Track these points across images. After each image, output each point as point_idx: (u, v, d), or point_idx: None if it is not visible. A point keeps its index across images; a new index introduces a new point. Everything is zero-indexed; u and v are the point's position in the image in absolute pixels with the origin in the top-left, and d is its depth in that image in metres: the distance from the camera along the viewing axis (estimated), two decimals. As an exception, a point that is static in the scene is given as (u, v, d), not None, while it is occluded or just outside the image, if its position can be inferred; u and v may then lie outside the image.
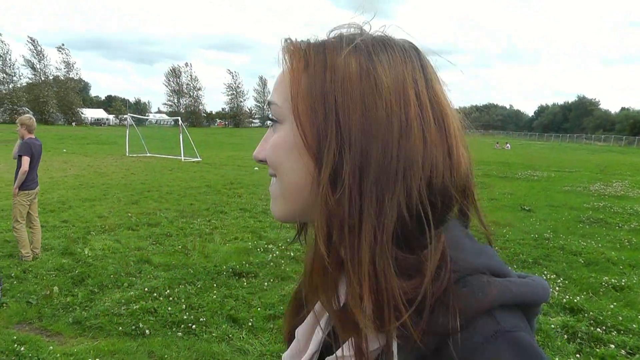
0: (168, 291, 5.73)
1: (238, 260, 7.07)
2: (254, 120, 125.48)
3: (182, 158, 24.61)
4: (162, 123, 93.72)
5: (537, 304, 0.67)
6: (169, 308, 5.20)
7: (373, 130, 0.63)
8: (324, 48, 0.69)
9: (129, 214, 10.38)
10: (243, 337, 4.71)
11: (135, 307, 5.24)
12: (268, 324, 4.97)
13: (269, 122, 0.76)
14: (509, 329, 0.60)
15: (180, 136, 25.92)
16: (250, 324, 4.94)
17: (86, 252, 7.34)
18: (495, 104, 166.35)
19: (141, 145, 28.72)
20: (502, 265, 0.67)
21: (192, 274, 6.37)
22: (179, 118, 29.91)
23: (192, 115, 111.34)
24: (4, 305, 5.35)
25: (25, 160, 6.76)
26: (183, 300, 5.49)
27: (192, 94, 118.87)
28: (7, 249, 7.28)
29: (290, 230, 9.09)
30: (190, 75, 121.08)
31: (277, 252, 7.52)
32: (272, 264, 6.93)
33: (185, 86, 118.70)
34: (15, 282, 6.07)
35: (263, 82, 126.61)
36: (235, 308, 5.33)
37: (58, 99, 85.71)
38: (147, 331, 4.72)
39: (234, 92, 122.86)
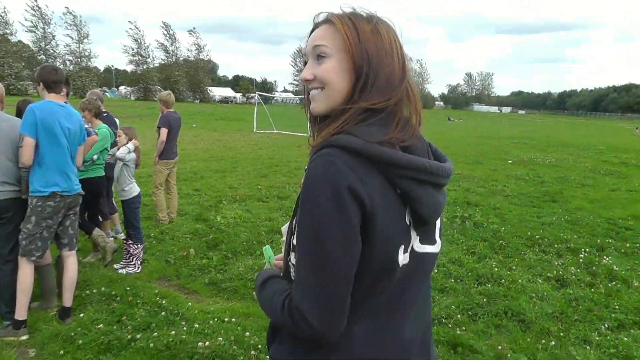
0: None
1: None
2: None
3: (309, 135, 25.16)
4: (287, 102, 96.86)
5: (380, 161, 1.21)
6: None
7: (381, 60, 1.31)
8: (350, 19, 1.33)
9: (259, 186, 10.81)
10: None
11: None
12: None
13: (317, 57, 1.37)
14: (326, 156, 1.19)
15: (307, 114, 26.46)
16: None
17: (218, 219, 7.75)
18: (636, 83, 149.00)
19: (268, 122, 29.85)
20: (378, 137, 1.24)
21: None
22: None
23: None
24: (146, 261, 5.80)
25: (163, 132, 7.36)
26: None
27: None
28: (146, 211, 7.87)
29: None
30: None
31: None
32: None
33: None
34: (154, 242, 6.57)
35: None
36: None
37: (188, 78, 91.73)
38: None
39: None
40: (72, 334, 4.06)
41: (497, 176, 13.64)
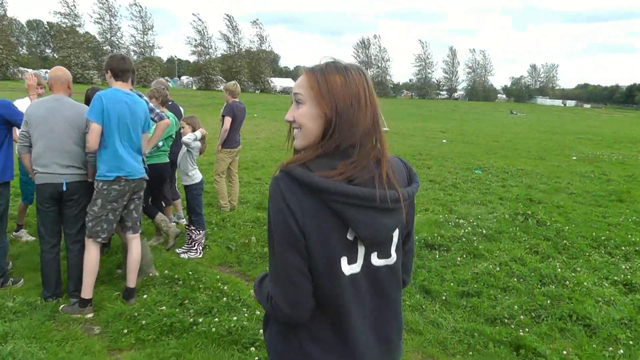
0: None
1: (429, 231, 6.91)
2: (440, 92, 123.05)
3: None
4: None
5: (312, 188, 1.47)
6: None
7: (347, 108, 1.51)
8: (323, 72, 1.54)
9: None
10: (436, 310, 4.55)
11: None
12: (461, 301, 4.74)
13: (297, 101, 1.61)
14: (279, 179, 1.51)
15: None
16: (444, 297, 4.76)
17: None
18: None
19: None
20: (319, 167, 1.50)
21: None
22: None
23: (378, 86, 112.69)
24: (207, 247, 5.88)
25: (227, 120, 7.40)
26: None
27: (380, 65, 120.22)
28: (207, 199, 7.98)
29: (480, 207, 8.68)
30: (379, 47, 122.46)
31: (469, 228, 7.19)
32: (463, 239, 6.64)
33: (373, 57, 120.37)
34: (215, 228, 6.66)
35: (453, 53, 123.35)
36: (428, 279, 5.18)
37: (250, 68, 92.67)
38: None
39: (423, 62, 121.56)
40: (136, 314, 4.17)
41: (560, 173, 13.12)
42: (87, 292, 4.25)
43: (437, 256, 5.98)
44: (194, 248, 5.75)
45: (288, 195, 1.49)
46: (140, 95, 4.48)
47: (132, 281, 4.47)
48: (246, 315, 4.18)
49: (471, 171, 12.77)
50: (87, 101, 4.92)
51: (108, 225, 4.26)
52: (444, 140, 20.52)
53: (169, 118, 4.99)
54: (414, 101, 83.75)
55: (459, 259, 5.89)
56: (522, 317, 4.41)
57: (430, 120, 35.11)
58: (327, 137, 1.53)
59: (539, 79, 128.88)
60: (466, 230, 7.05)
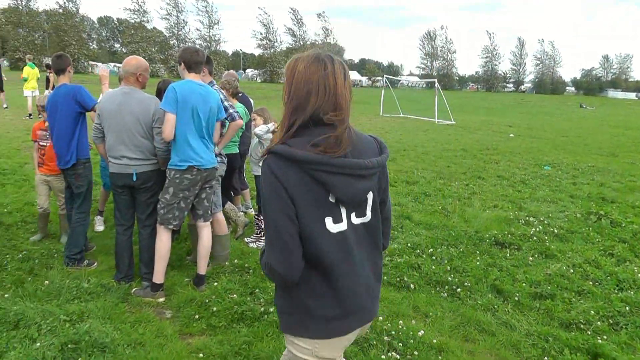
0: (431, 250, 5.72)
1: (499, 229, 6.72)
2: (507, 85, 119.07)
3: (436, 120, 24.59)
4: (413, 85, 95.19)
5: (295, 160, 1.76)
6: (433, 267, 5.16)
7: (298, 92, 1.82)
8: (297, 59, 1.88)
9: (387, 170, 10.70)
10: (508, 311, 4.42)
11: (399, 260, 5.34)
12: (534, 303, 4.58)
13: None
14: (267, 159, 1.81)
15: (436, 98, 25.82)
16: (516, 298, 4.62)
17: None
18: None
19: (394, 106, 29.55)
20: (299, 145, 1.78)
21: (453, 237, 6.25)
22: (435, 81, 29.83)
23: (444, 79, 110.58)
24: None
25: None
26: (446, 261, 5.41)
27: (445, 57, 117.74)
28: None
29: (551, 205, 8.36)
30: (445, 38, 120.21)
31: (540, 227, 6.93)
32: (534, 238, 6.41)
33: (439, 49, 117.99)
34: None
35: (521, 44, 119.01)
36: (500, 279, 5.04)
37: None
38: (411, 285, 4.75)
39: (490, 54, 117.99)
40: (207, 300, 4.27)
41: (635, 171, 12.40)
42: (158, 277, 4.40)
43: (508, 255, 5.81)
44: (263, 237, 5.82)
45: (276, 169, 1.79)
46: (212, 85, 4.57)
47: (202, 268, 4.60)
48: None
49: (540, 167, 12.31)
50: (159, 93, 5.08)
51: (180, 213, 4.38)
52: (511, 135, 19.86)
53: (242, 119, 5.06)
54: (480, 94, 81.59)
55: (530, 258, 5.69)
56: (599, 323, 4.20)
57: (496, 113, 34.07)
58: (287, 116, 1.86)
59: (612, 71, 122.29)
60: (537, 229, 6.80)
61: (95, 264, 5.12)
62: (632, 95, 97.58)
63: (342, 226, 1.88)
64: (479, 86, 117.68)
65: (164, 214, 4.34)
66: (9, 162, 9.85)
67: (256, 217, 5.95)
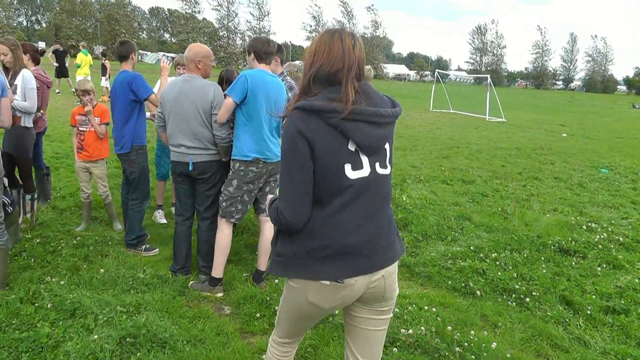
0: (494, 254, 5.46)
1: (561, 235, 6.37)
2: (556, 82, 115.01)
3: (487, 117, 23.89)
4: (462, 80, 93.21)
5: (314, 110, 1.90)
6: (499, 273, 4.91)
7: (318, 54, 2.00)
8: (320, 33, 2.08)
9: (442, 167, 10.42)
10: (580, 326, 4.13)
11: (462, 264, 5.11)
12: (607, 317, 4.28)
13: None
14: (291, 115, 1.96)
15: (487, 95, 25.07)
16: (588, 312, 4.32)
17: (404, 199, 7.56)
18: None
19: (444, 101, 28.90)
20: (318, 100, 1.93)
21: (515, 241, 5.96)
22: (488, 76, 29.01)
23: (493, 74, 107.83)
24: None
25: None
26: (511, 267, 5.15)
27: (495, 52, 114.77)
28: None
29: (612, 211, 7.92)
30: (496, 33, 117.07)
31: (604, 234, 6.53)
32: (599, 246, 6.04)
33: (489, 44, 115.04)
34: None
35: (573, 39, 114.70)
36: (568, 289, 4.74)
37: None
38: (477, 292, 4.53)
39: (540, 50, 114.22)
40: (268, 298, 4.15)
41: None
42: (217, 270, 4.29)
43: (574, 263, 5.49)
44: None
45: (298, 122, 1.91)
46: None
47: (263, 264, 4.45)
48: (386, 311, 4.05)
49: (596, 169, 11.74)
50: (221, 82, 4.95)
51: (242, 206, 4.26)
52: (564, 135, 19.09)
53: None
54: (529, 91, 79.20)
55: (598, 268, 5.35)
56: None
57: (546, 112, 32.91)
58: (304, 79, 2.03)
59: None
60: (601, 237, 6.42)
61: (157, 250, 5.10)
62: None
63: (363, 173, 1.97)
64: (528, 83, 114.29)
65: (226, 207, 4.22)
66: (62, 146, 10.03)
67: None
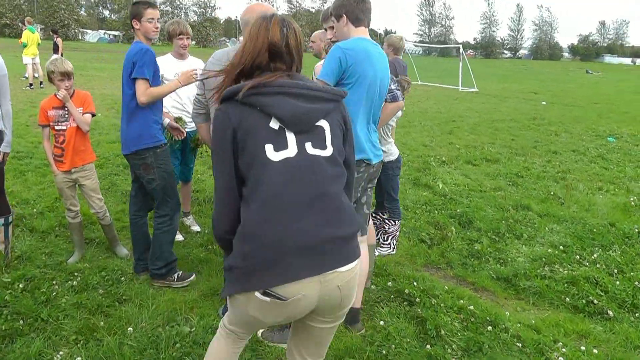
0: (587, 254, 4.49)
1: (626, 219, 5.51)
2: (504, 52, 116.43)
3: (460, 88, 23.15)
4: (415, 53, 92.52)
5: (230, 96, 1.74)
6: (617, 282, 3.94)
7: (246, 40, 1.82)
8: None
9: (456, 145, 9.45)
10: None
11: (563, 272, 4.10)
12: None
13: None
14: (217, 108, 1.80)
15: (460, 65, 24.27)
16: None
17: (440, 186, 6.54)
18: None
19: (411, 73, 27.95)
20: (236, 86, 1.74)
21: (596, 234, 5.00)
22: (460, 46, 28.20)
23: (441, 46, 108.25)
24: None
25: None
26: (617, 271, 4.21)
27: (443, 24, 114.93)
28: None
29: None
30: (444, 4, 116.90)
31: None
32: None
33: (437, 16, 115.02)
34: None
35: (520, 10, 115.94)
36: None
37: (310, 29, 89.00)
38: (609, 312, 3.55)
39: (488, 20, 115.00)
40: (380, 349, 3.00)
41: None
42: None
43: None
44: (387, 242, 4.58)
45: (220, 112, 1.77)
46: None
47: (358, 299, 3.25)
48: (526, 353, 3.01)
49: (603, 139, 11.07)
50: None
51: None
52: (543, 103, 18.54)
53: (403, 99, 3.72)
54: (479, 61, 79.50)
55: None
56: None
57: (508, 80, 32.50)
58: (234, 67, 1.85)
59: (608, 36, 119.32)
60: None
61: (193, 276, 3.85)
62: (627, 61, 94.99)
63: (288, 153, 1.70)
64: (477, 53, 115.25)
65: None
66: (22, 142, 8.03)
67: (377, 215, 4.68)
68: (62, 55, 16.87)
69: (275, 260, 1.64)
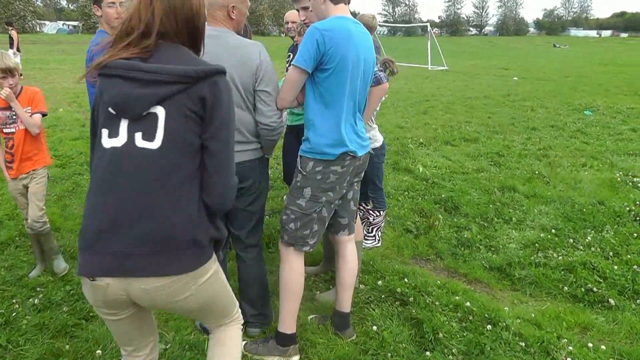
0: (580, 237, 4.30)
1: (621, 198, 5.32)
2: (470, 29, 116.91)
3: (429, 66, 22.96)
4: (376, 33, 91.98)
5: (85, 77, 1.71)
6: (615, 268, 3.74)
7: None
8: None
9: (432, 126, 9.21)
10: None
11: (558, 258, 3.89)
12: None
13: None
14: None
15: (429, 44, 24.07)
16: None
17: (421, 170, 6.30)
18: None
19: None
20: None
21: (586, 214, 4.82)
22: (428, 25, 27.96)
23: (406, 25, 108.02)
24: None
25: None
26: (612, 254, 4.01)
27: (407, 3, 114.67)
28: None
29: (638, 159, 7.09)
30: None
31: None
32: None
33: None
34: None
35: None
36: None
37: (273, 12, 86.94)
38: (610, 300, 3.34)
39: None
40: (375, 358, 2.74)
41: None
42: (287, 323, 2.76)
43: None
44: (371, 234, 4.30)
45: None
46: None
47: (347, 303, 2.95)
48: (534, 356, 2.77)
49: (579, 112, 10.99)
50: None
51: (319, 226, 2.72)
52: (515, 78, 18.49)
53: (387, 80, 3.39)
54: (446, 39, 79.69)
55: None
56: None
57: (477, 57, 32.57)
58: None
59: (573, 10, 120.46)
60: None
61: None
62: (593, 33, 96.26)
63: (115, 142, 1.56)
64: (443, 31, 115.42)
65: (295, 230, 2.67)
66: None
67: (361, 206, 4.38)
68: (18, 49, 16.10)
69: (86, 248, 1.57)
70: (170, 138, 1.56)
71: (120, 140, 1.56)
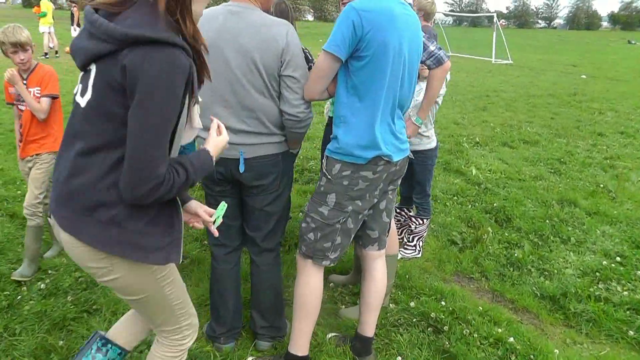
0: (655, 268, 3.80)
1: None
2: (539, 21, 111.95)
3: (493, 60, 21.94)
4: (440, 23, 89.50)
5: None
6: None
7: None
8: None
9: (490, 124, 8.64)
10: None
11: (623, 293, 3.40)
12: None
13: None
14: None
15: (494, 35, 22.97)
16: None
17: (474, 172, 5.83)
18: None
19: (441, 43, 26.75)
20: None
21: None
22: (494, 15, 26.73)
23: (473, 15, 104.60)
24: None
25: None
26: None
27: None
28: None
29: None
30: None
31: None
32: None
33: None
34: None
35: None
36: None
37: (312, 1, 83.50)
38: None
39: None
40: None
41: None
42: (299, 344, 2.44)
43: None
44: (412, 244, 3.93)
45: None
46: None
47: (370, 327, 2.60)
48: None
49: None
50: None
51: (344, 239, 2.37)
52: (583, 76, 17.36)
53: (449, 58, 2.93)
54: (513, 31, 76.63)
55: None
56: None
57: (544, 52, 30.98)
58: None
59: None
60: None
61: None
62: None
63: (78, 98, 1.51)
64: (510, 23, 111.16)
65: (315, 241, 2.34)
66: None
67: (402, 212, 4.03)
68: (78, 24, 16.35)
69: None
70: (92, 101, 1.46)
71: (78, 96, 1.53)
